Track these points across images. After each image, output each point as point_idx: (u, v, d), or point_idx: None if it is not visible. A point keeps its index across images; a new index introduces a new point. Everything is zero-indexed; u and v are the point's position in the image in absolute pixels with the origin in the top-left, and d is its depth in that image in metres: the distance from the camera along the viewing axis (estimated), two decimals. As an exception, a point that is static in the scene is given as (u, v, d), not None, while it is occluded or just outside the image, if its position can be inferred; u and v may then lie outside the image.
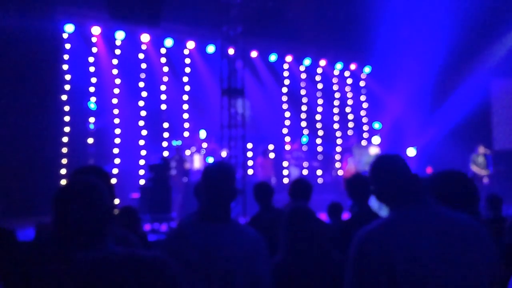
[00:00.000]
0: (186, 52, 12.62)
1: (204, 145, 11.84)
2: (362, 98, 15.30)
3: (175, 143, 11.11)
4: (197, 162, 11.28)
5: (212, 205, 2.38)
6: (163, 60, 12.28)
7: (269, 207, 4.23)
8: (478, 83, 13.65)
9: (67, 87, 10.99)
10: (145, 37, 11.81)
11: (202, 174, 2.52)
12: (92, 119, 11.19)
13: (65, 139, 10.90)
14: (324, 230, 2.71)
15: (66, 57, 11.05)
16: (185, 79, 12.62)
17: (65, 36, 10.99)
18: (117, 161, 11.41)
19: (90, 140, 11.14)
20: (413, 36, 13.29)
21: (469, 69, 13.60)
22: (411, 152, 12.86)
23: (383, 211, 2.47)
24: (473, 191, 2.60)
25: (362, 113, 15.24)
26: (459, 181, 2.56)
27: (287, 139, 13.71)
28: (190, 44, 12.55)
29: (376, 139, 13.95)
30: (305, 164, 13.45)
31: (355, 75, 15.17)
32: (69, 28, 10.92)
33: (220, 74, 8.53)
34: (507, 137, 14.04)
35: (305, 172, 13.44)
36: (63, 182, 10.54)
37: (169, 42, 12.14)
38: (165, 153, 10.72)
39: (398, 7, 11.85)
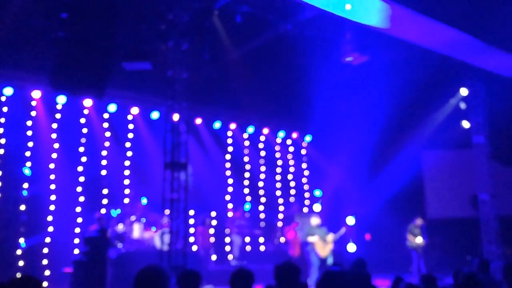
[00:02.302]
0: (129, 117, 12.55)
1: (144, 213, 11.57)
2: (304, 165, 15.68)
3: (114, 212, 10.77)
4: (137, 232, 10.96)
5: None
6: (105, 125, 12.12)
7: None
8: (411, 155, 14.45)
9: (1, 151, 10.54)
10: (87, 102, 11.66)
11: (134, 280, 2.46)
12: (26, 185, 10.69)
13: (-5, 206, 10.32)
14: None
15: (2, 120, 10.66)
16: (128, 144, 12.47)
17: (3, 99, 10.67)
18: (50, 229, 10.86)
19: (23, 207, 10.58)
20: (351, 107, 14.05)
21: (403, 141, 14.41)
22: (350, 221, 13.15)
23: None
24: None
25: (304, 180, 15.56)
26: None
27: (230, 206, 13.67)
28: (134, 110, 12.52)
29: (317, 207, 14.23)
30: (247, 232, 13.37)
31: (297, 144, 15.61)
32: (8, 91, 10.64)
33: (164, 147, 8.51)
34: (439, 206, 14.74)
35: (247, 239, 13.36)
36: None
37: (112, 107, 12.05)
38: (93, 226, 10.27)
39: (337, 79, 12.52)
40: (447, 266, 12.50)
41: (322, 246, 10.70)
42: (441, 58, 10.67)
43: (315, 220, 10.99)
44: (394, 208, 13.65)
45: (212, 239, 11.81)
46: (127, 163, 12.34)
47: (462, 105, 13.26)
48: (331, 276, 2.25)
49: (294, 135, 15.48)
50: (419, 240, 11.87)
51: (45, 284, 10.16)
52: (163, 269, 2.49)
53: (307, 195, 15.41)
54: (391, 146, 14.38)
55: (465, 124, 13.31)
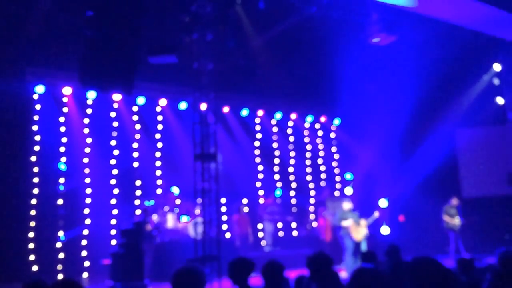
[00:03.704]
0: (158, 109, 12.68)
1: (178, 201, 11.75)
2: (333, 149, 15.55)
3: (148, 203, 10.97)
4: (170, 221, 11.15)
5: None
6: (135, 118, 12.29)
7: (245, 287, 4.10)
8: (444, 134, 14.13)
9: (36, 148, 10.81)
10: (116, 96, 11.84)
11: (171, 280, 2.51)
12: (62, 180, 10.99)
13: (33, 201, 10.63)
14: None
15: (36, 117, 10.93)
16: (158, 136, 12.62)
17: (35, 97, 10.92)
18: (87, 221, 11.16)
19: (60, 202, 10.89)
20: (381, 88, 13.81)
21: (435, 120, 14.10)
22: (383, 203, 13.03)
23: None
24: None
25: (334, 164, 15.44)
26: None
27: (261, 193, 13.72)
28: (162, 102, 12.64)
29: (349, 190, 14.13)
30: (279, 218, 13.40)
31: (326, 127, 15.47)
32: (40, 89, 10.87)
33: (193, 139, 8.58)
34: (474, 185, 14.40)
35: (279, 225, 13.41)
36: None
37: (141, 100, 12.19)
38: (136, 216, 10.49)
39: (364, 61, 12.30)
40: (485, 246, 12.29)
41: (357, 229, 10.64)
42: (472, 34, 10.36)
43: (347, 205, 10.92)
44: (428, 188, 13.43)
45: (249, 226, 11.87)
46: (158, 154, 12.51)
47: (496, 81, 12.87)
48: (364, 275, 2.23)
49: (323, 119, 15.34)
50: (455, 220, 11.68)
51: (85, 275, 10.50)
52: (199, 270, 2.53)
53: (338, 179, 15.31)
54: (423, 126, 14.07)
55: (499, 100, 12.92)
